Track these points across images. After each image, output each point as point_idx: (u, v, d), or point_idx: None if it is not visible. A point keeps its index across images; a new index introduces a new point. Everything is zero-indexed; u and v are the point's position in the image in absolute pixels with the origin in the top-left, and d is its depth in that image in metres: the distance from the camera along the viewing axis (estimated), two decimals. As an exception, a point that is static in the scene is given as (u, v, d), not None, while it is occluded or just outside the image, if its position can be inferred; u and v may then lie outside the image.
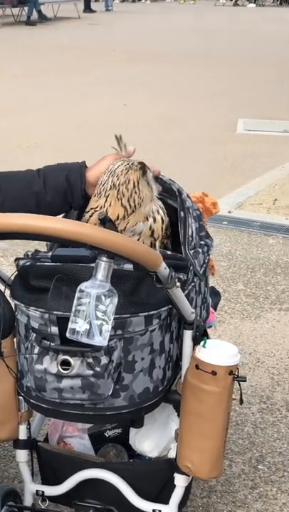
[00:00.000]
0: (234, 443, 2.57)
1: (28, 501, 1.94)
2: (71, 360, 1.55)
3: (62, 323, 1.52)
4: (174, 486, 1.83)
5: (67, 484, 1.87)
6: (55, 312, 1.55)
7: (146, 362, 1.63)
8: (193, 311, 1.70)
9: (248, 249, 4.35)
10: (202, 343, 1.69)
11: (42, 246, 1.99)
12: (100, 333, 1.37)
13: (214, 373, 1.65)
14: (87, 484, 1.86)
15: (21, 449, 1.89)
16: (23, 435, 1.88)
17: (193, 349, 1.72)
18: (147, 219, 1.73)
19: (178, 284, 1.54)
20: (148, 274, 1.49)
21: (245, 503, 2.30)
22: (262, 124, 7.60)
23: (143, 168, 1.73)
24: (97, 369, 1.54)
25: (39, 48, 13.56)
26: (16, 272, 1.65)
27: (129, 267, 1.54)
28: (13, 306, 1.70)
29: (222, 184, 5.61)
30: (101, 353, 1.54)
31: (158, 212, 1.76)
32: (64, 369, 1.55)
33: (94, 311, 1.36)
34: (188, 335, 1.73)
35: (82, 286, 1.38)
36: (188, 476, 1.81)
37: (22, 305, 1.62)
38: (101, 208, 1.72)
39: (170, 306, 1.63)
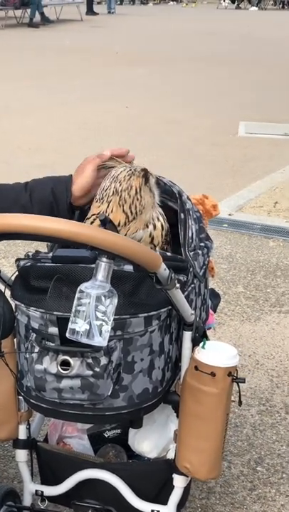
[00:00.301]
0: (233, 445, 2.58)
1: (27, 501, 1.95)
2: (71, 360, 1.55)
3: (62, 323, 1.53)
4: (172, 487, 1.83)
5: (66, 484, 1.87)
6: (55, 313, 1.56)
7: (146, 363, 1.63)
8: (193, 312, 1.70)
9: (248, 251, 4.36)
10: (201, 344, 1.70)
11: (43, 247, 1.99)
12: (100, 333, 1.38)
13: (213, 374, 1.66)
14: (86, 484, 1.86)
15: (21, 448, 1.90)
16: (22, 435, 1.88)
17: (193, 350, 1.72)
18: (147, 226, 1.74)
19: (178, 285, 1.54)
20: (148, 275, 1.50)
21: (243, 504, 2.31)
22: (263, 127, 7.62)
23: (146, 174, 1.74)
24: (97, 369, 1.55)
25: (41, 50, 13.58)
26: (17, 273, 1.66)
27: (129, 268, 1.55)
28: (13, 307, 1.71)
29: (223, 187, 5.61)
30: (101, 354, 1.55)
31: (158, 219, 1.77)
32: (64, 369, 1.56)
33: (94, 312, 1.37)
34: (187, 336, 1.74)
35: (83, 286, 1.38)
36: (187, 476, 1.82)
37: (22, 305, 1.63)
38: (103, 213, 1.72)
39: (170, 307, 1.63)
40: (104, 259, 1.38)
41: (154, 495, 1.86)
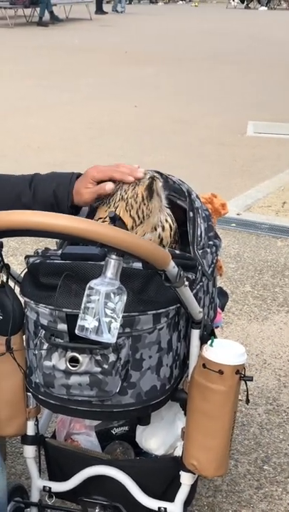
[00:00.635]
0: (240, 443, 2.59)
1: (34, 497, 1.95)
2: (79, 357, 1.56)
3: (71, 320, 1.54)
4: (179, 484, 1.84)
5: (74, 480, 1.88)
6: (64, 309, 1.56)
7: (154, 360, 1.64)
8: (201, 310, 1.71)
9: (256, 251, 4.37)
10: (209, 342, 1.70)
11: (52, 245, 2.00)
12: (109, 330, 1.38)
13: (221, 372, 1.66)
14: (93, 481, 1.87)
15: (29, 444, 1.91)
16: (31, 431, 1.89)
17: (201, 348, 1.73)
18: (156, 229, 1.74)
19: (186, 283, 1.55)
20: (157, 273, 1.51)
21: (250, 503, 2.31)
22: (272, 126, 7.61)
23: (150, 185, 1.73)
24: (105, 366, 1.56)
25: (51, 49, 13.60)
26: (26, 269, 1.67)
27: (138, 265, 1.55)
28: (22, 303, 1.71)
29: (231, 186, 5.62)
30: (109, 351, 1.56)
31: (166, 220, 1.77)
32: (72, 366, 1.57)
33: (103, 309, 1.38)
34: (195, 334, 1.74)
35: (92, 283, 1.39)
36: (194, 474, 1.82)
37: (31, 302, 1.64)
38: (112, 211, 1.73)
39: (178, 305, 1.64)
40: (114, 257, 1.38)
41: (161, 492, 1.86)
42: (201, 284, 1.77)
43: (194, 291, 1.71)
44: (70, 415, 1.82)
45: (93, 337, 1.38)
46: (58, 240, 1.93)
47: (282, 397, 2.86)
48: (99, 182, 1.78)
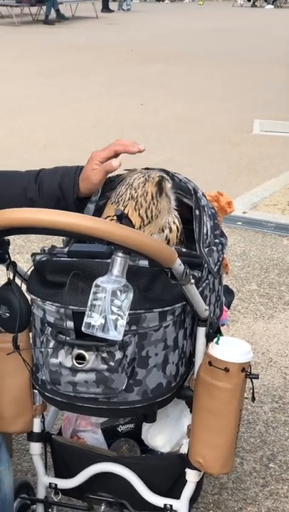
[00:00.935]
0: (246, 441, 2.59)
1: (41, 494, 1.96)
2: (86, 354, 1.57)
3: (78, 317, 1.54)
4: (185, 481, 1.84)
5: (80, 477, 1.89)
6: (70, 307, 1.57)
7: (160, 357, 1.64)
8: (207, 308, 1.71)
9: (262, 249, 4.36)
10: (215, 339, 1.71)
11: (58, 242, 2.01)
12: (115, 327, 1.39)
13: (227, 370, 1.67)
14: (99, 478, 1.88)
15: (35, 441, 1.91)
16: (37, 428, 1.90)
17: (207, 346, 1.73)
18: (163, 230, 1.75)
19: (192, 280, 1.55)
20: (163, 271, 1.51)
21: (256, 500, 2.32)
22: (278, 125, 7.60)
23: (160, 182, 1.74)
24: (112, 363, 1.56)
25: (57, 47, 13.61)
26: (33, 267, 1.68)
27: (144, 263, 1.56)
28: (29, 301, 1.72)
29: (237, 185, 5.62)
30: (115, 348, 1.56)
31: (174, 222, 1.78)
32: (79, 363, 1.57)
33: (109, 306, 1.38)
34: (201, 332, 1.75)
35: (98, 281, 1.39)
36: (200, 471, 1.82)
37: (38, 299, 1.64)
38: (119, 209, 1.73)
39: (184, 302, 1.64)
40: (120, 254, 1.39)
41: (166, 489, 1.87)
42: (207, 281, 1.78)
43: (200, 289, 1.71)
44: (76, 412, 1.83)
45: (99, 334, 1.39)
46: (64, 238, 1.94)
47: (288, 395, 2.86)
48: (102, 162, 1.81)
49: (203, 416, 1.74)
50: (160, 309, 1.59)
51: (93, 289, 1.40)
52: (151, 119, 7.90)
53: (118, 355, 1.57)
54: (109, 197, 1.92)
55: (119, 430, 2.02)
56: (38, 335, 1.69)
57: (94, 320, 1.39)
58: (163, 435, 1.90)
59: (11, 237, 1.58)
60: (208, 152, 6.67)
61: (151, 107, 8.49)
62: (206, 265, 1.76)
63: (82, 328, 1.41)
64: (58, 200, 1.82)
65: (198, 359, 1.76)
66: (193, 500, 1.89)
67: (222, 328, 1.89)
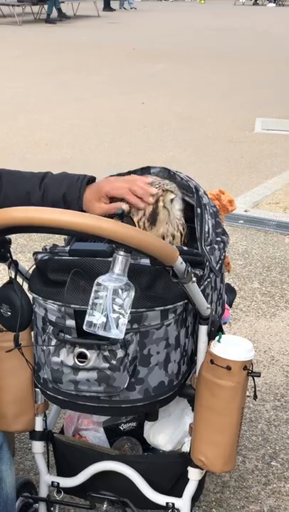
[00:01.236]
0: (248, 439, 2.59)
1: (43, 492, 1.96)
2: (87, 352, 1.57)
3: (80, 316, 1.54)
4: (187, 480, 1.84)
5: (82, 476, 1.89)
6: (72, 305, 1.57)
7: (162, 356, 1.64)
8: (209, 306, 1.71)
9: (264, 248, 4.36)
10: (217, 338, 1.71)
11: (60, 241, 2.01)
12: (117, 326, 1.39)
13: (229, 368, 1.67)
14: (101, 476, 1.88)
15: (37, 440, 1.91)
16: (39, 427, 1.90)
17: (208, 344, 1.73)
18: (164, 238, 1.75)
19: (194, 279, 1.55)
20: (164, 269, 1.51)
21: (258, 498, 2.32)
22: (280, 123, 7.60)
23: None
24: (113, 362, 1.56)
25: (58, 46, 13.61)
26: (34, 266, 1.68)
27: (146, 261, 1.56)
28: (31, 299, 1.72)
29: (239, 183, 5.61)
30: (117, 347, 1.56)
31: (177, 230, 1.78)
32: (80, 361, 1.57)
33: (111, 305, 1.38)
34: (203, 330, 1.75)
35: (100, 279, 1.39)
36: (202, 469, 1.82)
37: (40, 298, 1.64)
38: (120, 208, 1.74)
39: (186, 301, 1.64)
40: (122, 253, 1.39)
41: (169, 487, 1.87)
42: (208, 280, 1.78)
43: (202, 287, 1.71)
44: (78, 411, 1.83)
45: (101, 333, 1.39)
46: (65, 237, 1.94)
47: (290, 394, 2.86)
48: (111, 197, 1.78)
49: (205, 414, 1.74)
50: (162, 308, 1.60)
51: (95, 288, 1.40)
52: (153, 118, 7.90)
53: (120, 353, 1.57)
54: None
55: (121, 429, 2.02)
56: (40, 333, 1.69)
57: (95, 318, 1.39)
58: (165, 434, 1.91)
59: (13, 236, 1.58)
60: (209, 151, 6.67)
61: (152, 106, 8.49)
62: (207, 263, 1.76)
63: (84, 327, 1.41)
64: None
65: (200, 357, 1.76)
66: (195, 499, 1.89)
67: (224, 327, 1.89)
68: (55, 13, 18.28)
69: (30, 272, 1.71)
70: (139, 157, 6.15)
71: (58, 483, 1.94)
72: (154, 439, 1.92)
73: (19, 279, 1.70)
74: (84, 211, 1.82)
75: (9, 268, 1.67)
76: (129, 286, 1.40)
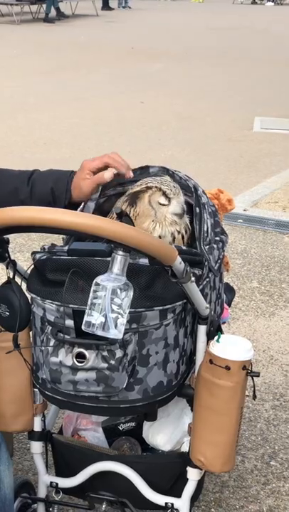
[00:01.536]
0: (247, 439, 2.59)
1: (41, 493, 1.95)
2: (86, 352, 1.56)
3: (78, 316, 1.54)
4: (186, 480, 1.84)
5: (81, 476, 1.88)
6: (70, 305, 1.56)
7: (161, 356, 1.64)
8: (208, 306, 1.71)
9: (263, 247, 4.36)
10: (216, 337, 1.70)
11: (58, 241, 2.00)
12: (115, 326, 1.38)
13: (228, 368, 1.66)
14: (100, 477, 1.87)
15: (36, 440, 1.91)
16: (38, 427, 1.89)
17: (207, 344, 1.73)
18: (160, 238, 1.75)
19: (193, 278, 1.54)
20: (163, 269, 1.51)
21: (257, 498, 2.31)
22: (278, 122, 7.59)
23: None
24: (112, 362, 1.56)
25: (57, 46, 13.60)
26: (33, 266, 1.68)
27: (144, 261, 1.55)
28: (29, 299, 1.72)
29: (238, 182, 5.61)
30: (116, 347, 1.56)
31: (178, 231, 1.78)
32: (79, 362, 1.57)
33: (109, 304, 1.38)
34: (202, 330, 1.74)
35: (98, 279, 1.39)
36: (201, 469, 1.82)
37: (38, 298, 1.64)
38: (118, 207, 1.74)
39: (185, 300, 1.64)
40: (120, 252, 1.38)
41: (168, 487, 1.86)
42: (207, 279, 1.77)
43: (201, 286, 1.71)
44: (76, 411, 1.82)
45: (100, 333, 1.38)
46: (64, 236, 1.93)
47: (290, 393, 2.86)
48: (96, 173, 1.80)
49: (204, 414, 1.74)
50: (161, 307, 1.59)
51: (93, 288, 1.39)
52: (152, 117, 7.89)
53: (118, 353, 1.56)
54: (109, 195, 1.94)
55: (120, 429, 2.02)
56: (38, 334, 1.69)
57: (94, 318, 1.38)
58: (164, 434, 1.90)
59: (11, 236, 1.58)
60: (208, 150, 6.67)
61: (152, 105, 8.48)
62: (206, 263, 1.75)
63: (83, 327, 1.41)
64: (48, 204, 1.83)
65: (199, 357, 1.76)
66: (194, 499, 1.89)
67: (223, 326, 1.89)
68: (53, 13, 18.27)
69: (29, 271, 1.70)
70: (138, 156, 6.14)
71: (57, 484, 1.93)
72: (153, 439, 1.92)
73: (17, 279, 1.69)
74: (72, 203, 1.83)
75: (7, 268, 1.66)
76: (127, 285, 1.39)
